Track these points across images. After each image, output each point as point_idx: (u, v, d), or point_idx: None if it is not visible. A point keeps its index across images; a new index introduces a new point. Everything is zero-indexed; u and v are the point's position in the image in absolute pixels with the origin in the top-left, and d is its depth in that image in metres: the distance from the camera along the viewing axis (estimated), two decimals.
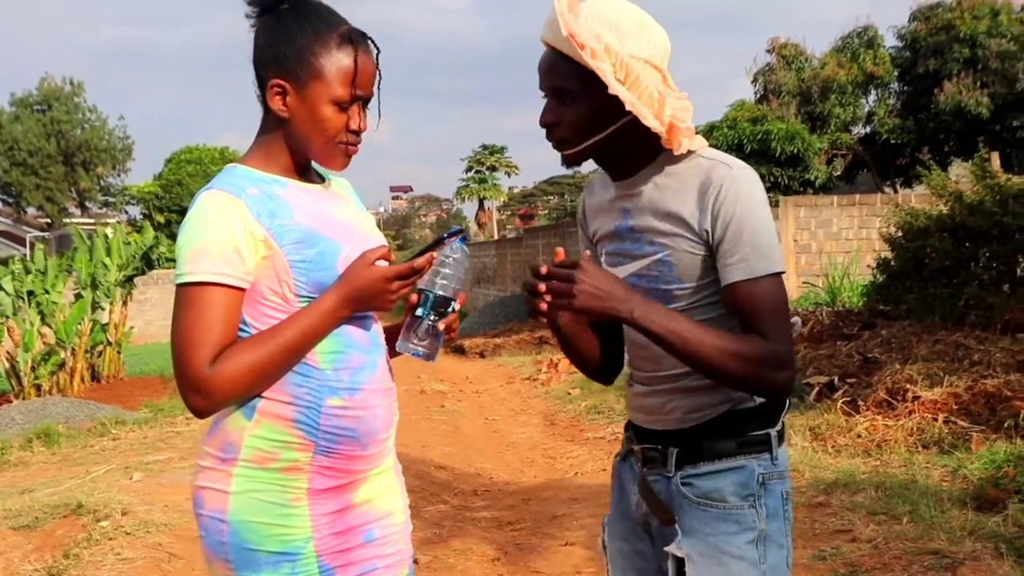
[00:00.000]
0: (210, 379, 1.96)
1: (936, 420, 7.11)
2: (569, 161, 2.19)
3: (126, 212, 54.71)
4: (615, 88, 2.01)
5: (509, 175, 59.42)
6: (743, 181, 2.05)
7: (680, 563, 2.11)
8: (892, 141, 24.54)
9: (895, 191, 24.70)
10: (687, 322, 2.02)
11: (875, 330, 10.21)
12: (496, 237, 50.35)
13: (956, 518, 5.16)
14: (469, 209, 67.15)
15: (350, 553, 2.13)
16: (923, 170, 12.35)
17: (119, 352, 16.27)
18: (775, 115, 22.64)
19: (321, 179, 2.25)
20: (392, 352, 2.23)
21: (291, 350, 2.03)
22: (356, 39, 2.10)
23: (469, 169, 57.67)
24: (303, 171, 2.19)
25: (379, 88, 2.16)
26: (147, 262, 16.87)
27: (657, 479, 2.20)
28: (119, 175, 61.42)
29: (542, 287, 1.98)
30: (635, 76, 2.04)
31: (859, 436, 7.20)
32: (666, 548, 2.15)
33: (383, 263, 2.10)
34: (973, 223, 9.97)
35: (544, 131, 2.16)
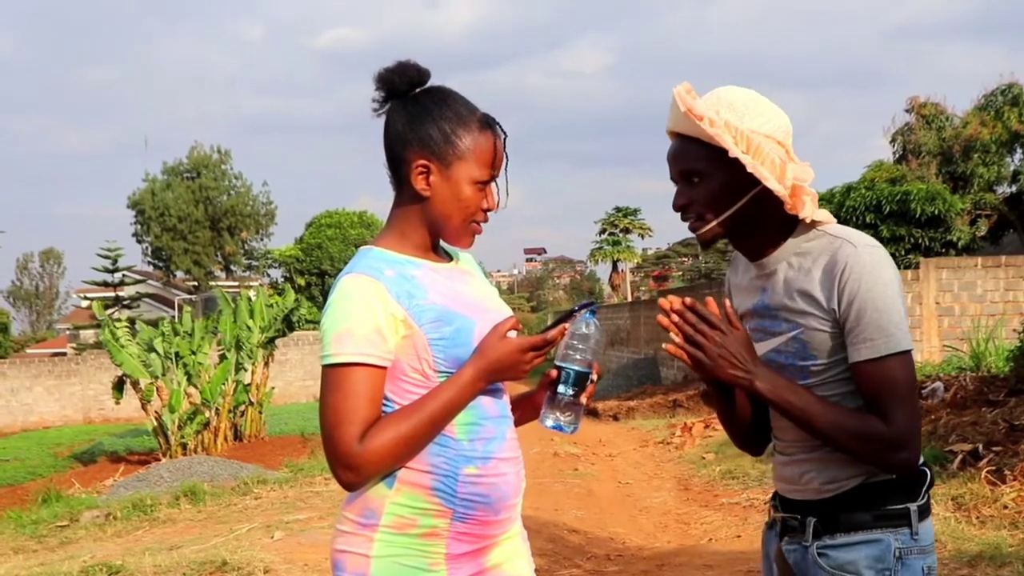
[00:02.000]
0: (360, 455, 2.06)
1: None
2: (706, 240, 2.24)
3: (268, 275, 56.44)
4: (735, 152, 2.09)
5: (643, 237, 59.23)
6: (867, 259, 2.08)
7: None
8: None
9: None
10: (809, 396, 2.09)
11: (1022, 396, 9.88)
12: (630, 299, 50.24)
13: None
14: (603, 271, 67.10)
15: None
16: None
17: (260, 412, 16.73)
18: (915, 175, 22.18)
19: (448, 257, 2.36)
20: (521, 421, 2.33)
21: (434, 423, 2.12)
22: (492, 123, 2.23)
23: (603, 231, 57.65)
24: (435, 249, 2.30)
25: (506, 170, 2.28)
26: (288, 324, 17.33)
27: (795, 548, 2.23)
28: (262, 239, 63.70)
29: (686, 327, 2.08)
30: (756, 146, 2.12)
31: (1005, 507, 6.96)
32: None
33: (513, 334, 2.19)
34: None
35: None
